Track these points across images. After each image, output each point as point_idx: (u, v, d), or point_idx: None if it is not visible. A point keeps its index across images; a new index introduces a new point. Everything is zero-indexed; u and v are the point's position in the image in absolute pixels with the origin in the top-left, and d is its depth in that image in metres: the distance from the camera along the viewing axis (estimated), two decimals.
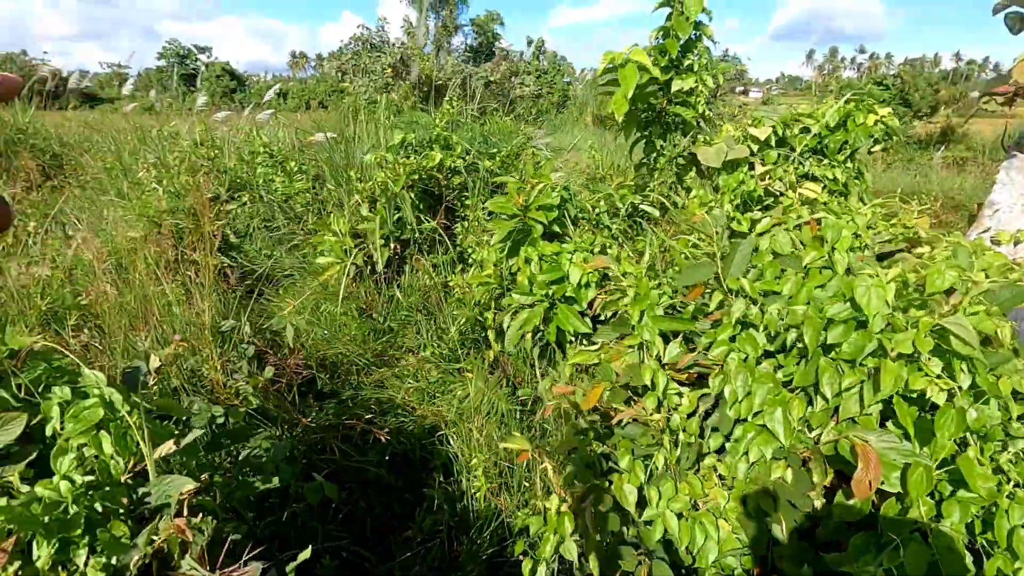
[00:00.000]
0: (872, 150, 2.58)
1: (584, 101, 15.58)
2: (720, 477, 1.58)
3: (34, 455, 1.14)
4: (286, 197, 4.67)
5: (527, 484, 2.16)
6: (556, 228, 2.66)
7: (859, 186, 2.60)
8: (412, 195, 3.47)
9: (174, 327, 2.43)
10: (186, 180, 4.40)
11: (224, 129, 6.34)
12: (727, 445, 1.61)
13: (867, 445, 1.20)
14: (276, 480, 1.50)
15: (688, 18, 2.56)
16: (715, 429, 1.67)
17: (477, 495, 2.08)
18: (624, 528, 1.50)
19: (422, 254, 3.56)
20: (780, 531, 1.38)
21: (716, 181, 2.52)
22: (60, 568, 0.98)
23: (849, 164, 2.59)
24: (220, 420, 1.68)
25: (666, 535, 1.46)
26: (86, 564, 0.97)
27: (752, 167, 2.50)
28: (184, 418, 1.36)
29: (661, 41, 2.74)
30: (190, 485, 1.09)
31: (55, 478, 1.03)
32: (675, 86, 2.70)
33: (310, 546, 1.17)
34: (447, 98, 5.22)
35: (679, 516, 1.46)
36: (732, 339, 1.61)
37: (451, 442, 2.38)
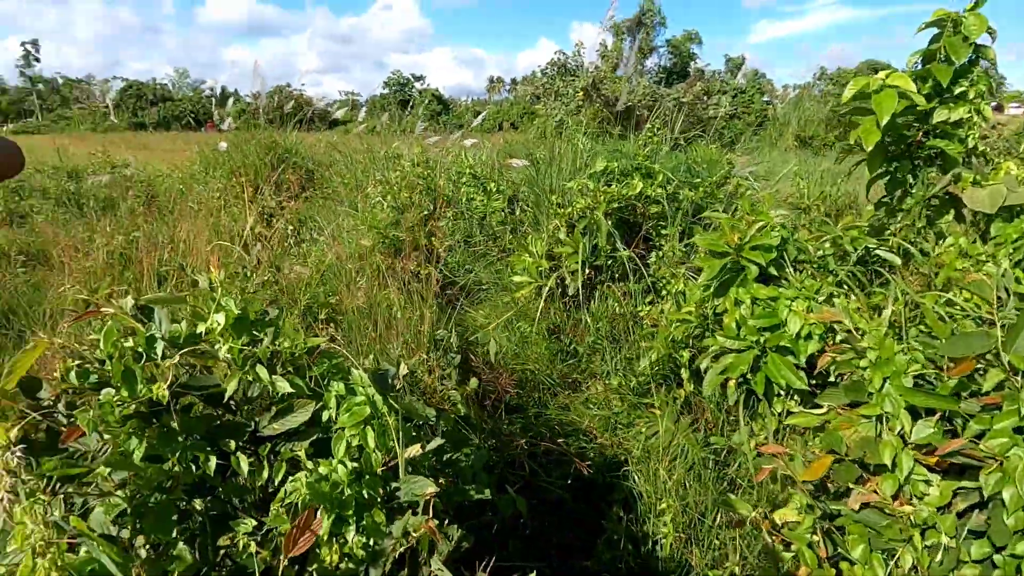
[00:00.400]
0: None
1: (785, 121, 14.34)
2: None
3: (315, 436, 1.38)
4: (484, 215, 5.05)
5: (717, 542, 2.02)
6: (772, 270, 2.46)
7: None
8: (610, 223, 3.50)
9: (397, 329, 2.76)
10: (405, 197, 5.01)
11: (435, 150, 7.09)
12: (996, 558, 1.33)
13: None
14: (488, 492, 1.61)
15: (967, 39, 2.20)
16: (977, 535, 1.39)
17: (663, 541, 2.00)
18: None
19: (614, 281, 3.56)
20: None
21: (988, 230, 2.11)
22: (333, 540, 1.15)
23: None
24: (431, 422, 1.86)
25: None
26: (352, 540, 1.14)
27: None
28: (423, 423, 1.52)
29: (922, 66, 2.40)
30: (432, 488, 1.21)
31: (334, 461, 1.22)
32: (938, 116, 2.34)
33: (535, 571, 1.22)
34: (648, 125, 5.19)
35: None
36: (1017, 430, 1.32)
37: (636, 479, 2.32)
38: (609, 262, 3.59)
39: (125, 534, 1.09)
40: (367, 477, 1.24)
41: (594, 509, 2.39)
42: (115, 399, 1.10)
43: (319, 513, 1.15)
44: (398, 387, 1.52)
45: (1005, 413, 1.35)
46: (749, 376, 2.24)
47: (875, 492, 1.51)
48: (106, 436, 1.10)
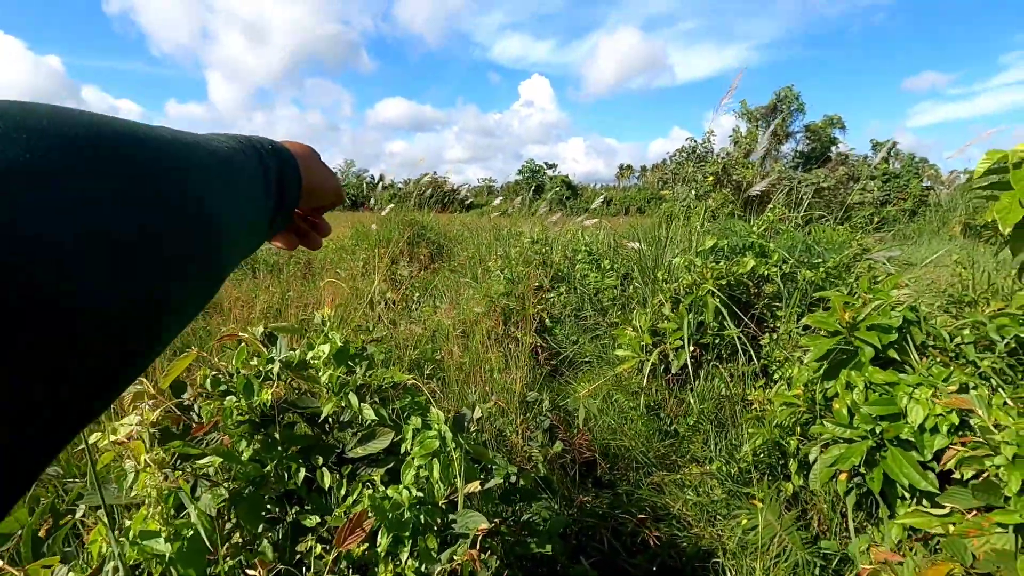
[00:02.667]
0: None
1: (950, 207, 12.87)
2: None
3: (391, 464, 1.51)
4: (596, 291, 5.13)
5: None
6: (893, 354, 2.22)
7: None
8: (717, 300, 3.40)
9: (492, 389, 2.88)
10: (520, 270, 5.29)
11: (556, 230, 7.44)
12: None
13: None
14: (549, 548, 1.60)
15: None
16: None
17: None
18: None
19: (721, 362, 3.40)
20: None
21: None
22: (390, 559, 1.24)
23: None
24: (513, 479, 1.90)
25: None
26: (406, 562, 1.22)
27: None
28: (489, 466, 1.59)
29: None
30: (484, 524, 1.26)
31: (401, 486, 1.33)
32: None
33: None
34: (770, 206, 5.04)
35: None
36: None
37: (728, 574, 2.11)
38: (716, 341, 3.44)
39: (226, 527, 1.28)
40: (428, 506, 1.33)
41: None
42: (235, 405, 1.33)
43: (380, 532, 1.25)
44: (472, 430, 1.61)
45: None
46: (863, 471, 2.00)
47: None
48: (224, 436, 1.32)
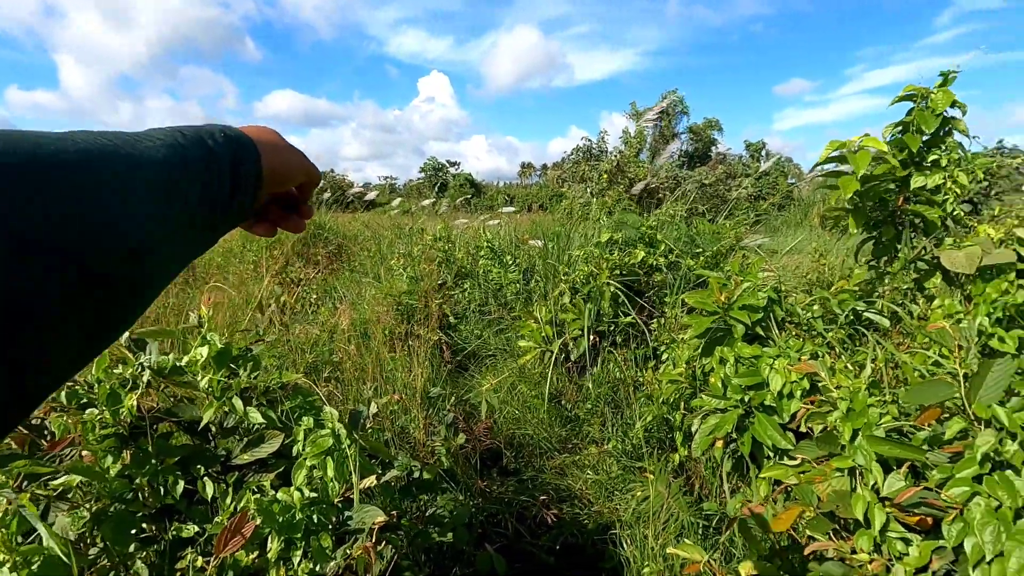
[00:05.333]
0: None
1: (810, 202, 14.46)
2: None
3: (282, 468, 1.45)
4: (499, 286, 5.22)
5: None
6: (759, 331, 2.48)
7: None
8: (612, 289, 3.59)
9: (394, 387, 2.84)
10: (423, 268, 5.25)
11: (459, 229, 7.45)
12: None
13: None
14: (450, 536, 1.62)
15: (935, 111, 2.32)
16: None
17: None
18: None
19: (617, 347, 3.60)
20: None
21: (968, 290, 2.12)
22: (281, 563, 1.20)
23: None
24: (416, 473, 1.90)
25: None
26: (299, 564, 1.18)
27: (1021, 275, 2.06)
28: (387, 461, 1.58)
29: (899, 136, 2.52)
30: (381, 517, 1.26)
31: (292, 488, 1.29)
32: (915, 183, 2.42)
33: None
34: (667, 202, 5.39)
35: None
36: (978, 479, 1.29)
37: (624, 544, 2.25)
38: (612, 328, 3.64)
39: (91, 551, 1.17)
40: (323, 505, 1.30)
41: None
42: (97, 418, 1.22)
43: (270, 537, 1.20)
44: (368, 426, 1.59)
45: (965, 462, 1.33)
46: (736, 437, 2.22)
47: (859, 551, 1.46)
48: (84, 452, 1.20)
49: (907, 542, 1.44)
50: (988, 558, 1.17)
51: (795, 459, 1.76)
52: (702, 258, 3.78)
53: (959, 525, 1.26)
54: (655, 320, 3.55)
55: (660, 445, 2.78)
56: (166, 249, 0.39)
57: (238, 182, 0.47)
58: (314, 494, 1.31)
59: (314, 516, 1.25)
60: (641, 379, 3.19)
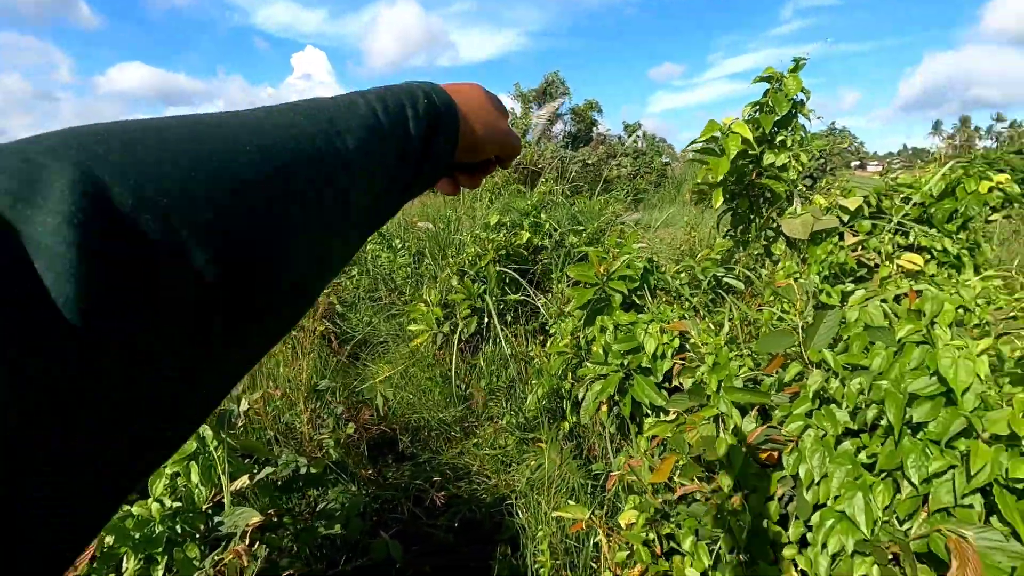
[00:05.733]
0: (990, 219, 2.36)
1: (682, 179, 15.60)
2: (802, 572, 1.42)
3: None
4: (389, 271, 5.09)
5: (594, 564, 2.05)
6: (636, 299, 2.65)
7: (976, 259, 2.36)
8: (498, 269, 3.64)
9: (276, 383, 2.69)
10: None
11: None
12: (808, 536, 1.45)
13: (964, 542, 1.04)
14: (338, 527, 1.57)
15: (787, 95, 2.58)
16: (797, 517, 1.52)
17: (541, 571, 2.00)
18: None
19: (507, 326, 3.67)
20: None
21: (805, 253, 2.41)
22: None
23: (961, 234, 2.37)
24: (303, 470, 1.81)
25: None
26: None
27: (843, 237, 2.37)
28: (265, 459, 1.49)
29: (755, 115, 2.77)
30: (256, 518, 1.19)
31: (149, 500, 1.18)
32: (766, 160, 2.69)
33: None
34: (542, 180, 5.52)
35: None
36: (809, 414, 1.49)
37: (519, 513, 2.33)
38: (502, 307, 3.70)
39: None
40: (189, 514, 1.20)
41: (484, 551, 2.36)
42: None
43: (125, 556, 1.09)
44: (240, 425, 1.49)
45: (800, 400, 1.52)
46: (618, 399, 2.36)
47: (720, 488, 1.62)
48: None
49: (760, 476, 1.62)
50: (816, 480, 1.35)
51: (670, 413, 1.92)
52: (584, 234, 3.94)
53: (795, 455, 1.44)
54: (543, 296, 3.67)
55: (552, 415, 2.89)
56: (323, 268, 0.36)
57: (427, 158, 0.42)
58: (177, 503, 1.20)
59: (178, 526, 1.15)
60: (531, 354, 3.29)
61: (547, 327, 3.51)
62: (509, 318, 3.68)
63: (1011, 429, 1.05)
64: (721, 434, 1.74)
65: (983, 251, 2.38)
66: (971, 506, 1.17)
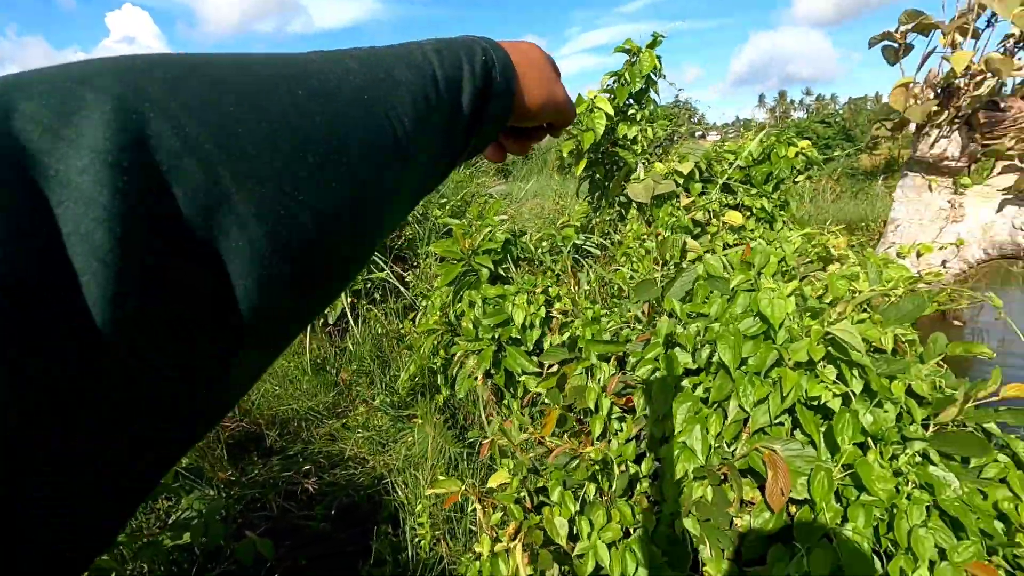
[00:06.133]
0: (796, 180, 2.73)
1: (548, 150, 16.12)
2: (654, 502, 1.58)
3: None
4: None
5: (474, 528, 2.11)
6: (502, 272, 2.70)
7: (785, 215, 2.73)
8: None
9: None
10: None
11: None
12: (657, 467, 1.62)
13: (774, 454, 1.22)
14: (187, 536, 1.44)
15: (641, 71, 2.74)
16: (648, 452, 1.68)
17: (421, 544, 2.02)
18: (558, 565, 1.47)
19: (375, 304, 3.56)
20: (706, 551, 1.37)
21: (650, 215, 2.62)
22: None
23: (775, 194, 2.73)
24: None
25: (599, 567, 1.44)
26: None
27: (680, 200, 2.61)
28: None
29: (612, 87, 2.90)
30: None
31: None
32: (620, 132, 2.85)
33: None
34: None
35: (611, 546, 1.44)
36: (658, 359, 1.64)
37: (398, 491, 2.32)
38: (368, 286, 3.58)
39: None
40: None
41: (363, 534, 2.32)
42: None
43: None
44: None
45: (650, 346, 1.67)
46: (493, 372, 2.42)
47: (571, 443, 1.74)
48: None
49: (622, 420, 1.76)
50: (660, 416, 1.50)
51: (548, 366, 1.99)
52: (448, 207, 3.93)
53: (645, 396, 1.59)
54: (410, 272, 3.61)
55: (425, 390, 2.88)
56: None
57: (481, 121, 0.38)
58: None
59: None
60: (403, 331, 3.24)
61: (416, 303, 3.47)
62: (378, 296, 3.58)
63: (809, 356, 1.24)
64: (590, 383, 1.86)
65: (791, 208, 2.76)
66: (781, 424, 1.37)
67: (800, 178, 2.67)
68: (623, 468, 1.62)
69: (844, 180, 10.12)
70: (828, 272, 1.85)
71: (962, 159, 2.06)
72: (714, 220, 2.54)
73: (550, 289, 2.51)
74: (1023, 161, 2.04)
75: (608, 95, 2.90)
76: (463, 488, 1.58)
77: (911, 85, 2.03)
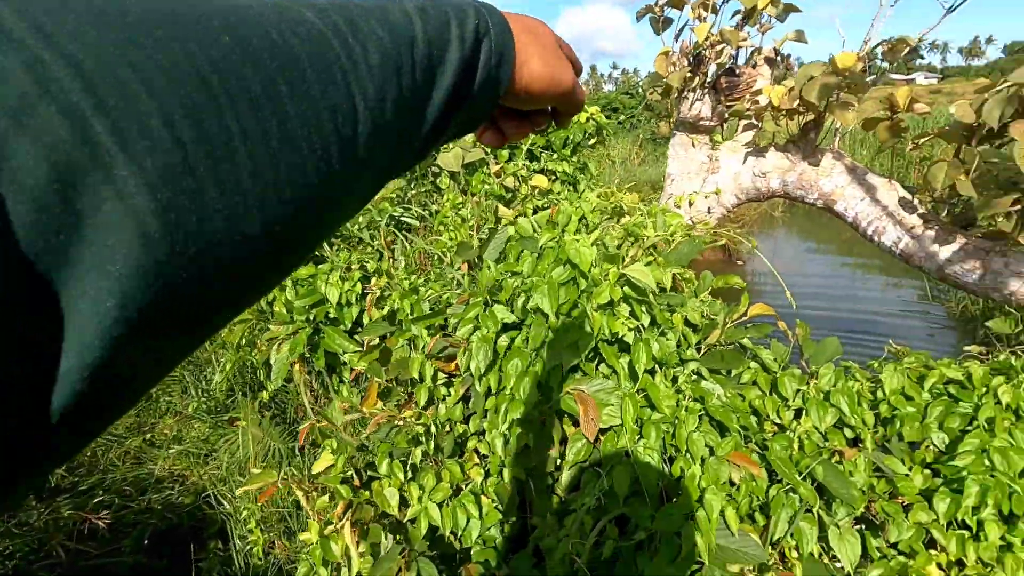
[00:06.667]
0: (591, 143, 2.97)
1: None
2: (483, 456, 1.65)
3: None
4: None
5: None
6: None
7: (585, 177, 2.96)
8: None
9: None
10: None
11: None
12: (484, 423, 1.69)
13: (583, 393, 1.34)
14: None
15: None
16: (475, 413, 1.74)
17: (254, 551, 1.88)
18: (393, 536, 1.47)
19: None
20: (532, 492, 1.48)
21: (464, 184, 2.66)
22: None
23: (574, 158, 2.94)
24: None
25: (433, 528, 1.47)
26: None
27: (489, 167, 2.70)
28: None
29: None
30: None
31: None
32: None
33: None
34: None
35: (441, 505, 1.48)
36: (478, 317, 1.69)
37: (223, 502, 2.12)
38: None
39: None
40: None
41: (186, 555, 2.09)
42: None
43: None
44: None
45: (470, 307, 1.71)
46: (311, 356, 2.29)
47: (391, 411, 1.73)
48: None
49: (448, 385, 1.80)
50: (482, 371, 1.56)
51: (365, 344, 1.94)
52: None
53: (467, 354, 1.63)
54: None
55: (247, 388, 2.65)
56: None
57: (465, 100, 0.33)
58: None
59: None
60: None
61: None
62: None
63: (610, 296, 1.38)
64: (414, 354, 1.86)
65: (590, 170, 3.00)
66: (592, 360, 1.52)
67: (591, 141, 2.92)
68: (448, 429, 1.67)
69: (647, 145, 11.31)
70: (620, 223, 2.06)
71: (713, 119, 2.41)
72: (523, 185, 2.67)
73: (368, 264, 2.45)
74: (758, 119, 2.46)
75: None
76: (278, 478, 1.50)
77: (670, 54, 2.32)
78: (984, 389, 1.59)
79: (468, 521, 1.46)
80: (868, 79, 2.14)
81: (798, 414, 1.66)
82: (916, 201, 2.16)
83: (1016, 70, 1.83)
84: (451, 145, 2.65)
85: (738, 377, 1.71)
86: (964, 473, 1.48)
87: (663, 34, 2.40)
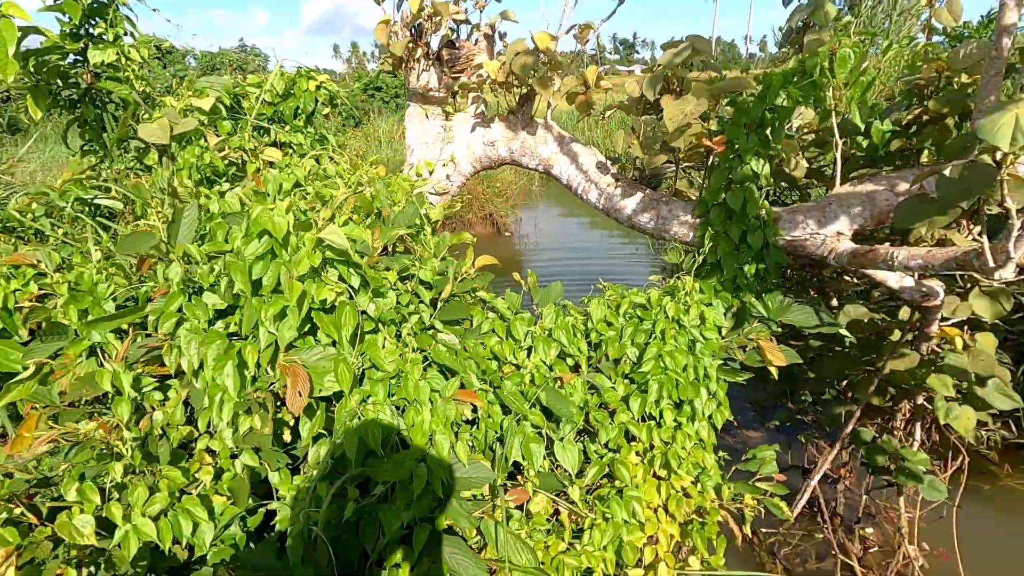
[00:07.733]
0: (323, 113, 2.83)
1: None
2: (212, 452, 1.49)
3: None
4: None
5: None
6: None
7: (325, 149, 2.83)
8: None
9: None
10: None
11: None
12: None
13: (294, 364, 1.29)
14: None
15: None
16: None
17: None
18: (93, 566, 1.24)
19: None
20: (274, 476, 1.39)
21: (163, 158, 2.31)
22: None
23: (309, 129, 2.78)
24: None
25: (152, 544, 1.29)
26: None
27: (208, 139, 2.40)
28: None
29: (57, 3, 2.27)
30: None
31: None
32: (94, 58, 2.32)
33: None
34: None
35: (158, 518, 1.29)
36: (181, 308, 1.49)
37: None
38: None
39: None
40: None
41: None
42: None
43: None
44: None
45: (170, 298, 1.50)
46: None
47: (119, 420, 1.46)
48: None
49: (163, 390, 1.56)
50: (196, 366, 1.39)
51: (27, 367, 1.57)
52: None
53: (175, 351, 1.44)
54: None
55: None
56: None
57: None
58: None
59: None
60: None
61: None
62: None
63: (309, 264, 1.32)
64: (105, 364, 1.56)
65: (329, 142, 2.88)
66: (311, 333, 1.45)
67: (325, 111, 2.80)
68: (162, 435, 1.47)
69: None
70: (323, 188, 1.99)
71: (441, 90, 2.51)
72: (252, 159, 2.43)
73: (43, 263, 1.98)
74: (483, 92, 2.64)
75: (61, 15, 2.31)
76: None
77: (391, 23, 2.32)
78: (659, 308, 1.97)
79: (196, 526, 1.31)
80: (601, 69, 2.44)
81: (531, 352, 1.86)
82: (609, 164, 2.56)
83: (663, 55, 2.27)
84: (156, 113, 2.27)
85: (479, 328, 1.84)
86: (648, 376, 1.82)
87: (383, 4, 2.39)
